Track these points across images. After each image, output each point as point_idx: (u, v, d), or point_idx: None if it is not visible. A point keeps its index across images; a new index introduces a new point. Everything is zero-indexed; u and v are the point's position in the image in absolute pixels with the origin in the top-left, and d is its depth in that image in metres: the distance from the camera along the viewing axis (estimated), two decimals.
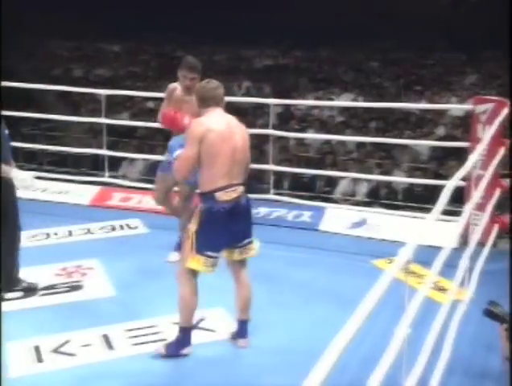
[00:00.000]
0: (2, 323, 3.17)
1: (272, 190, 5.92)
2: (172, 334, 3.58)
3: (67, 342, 3.47)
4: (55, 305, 3.94)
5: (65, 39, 18.88)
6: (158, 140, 9.35)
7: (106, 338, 3.55)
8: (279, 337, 3.61)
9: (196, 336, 3.53)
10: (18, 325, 3.61)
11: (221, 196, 3.21)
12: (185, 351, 3.36)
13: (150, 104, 11.28)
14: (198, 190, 3.40)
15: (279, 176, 7.22)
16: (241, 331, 3.50)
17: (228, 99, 9.51)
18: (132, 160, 8.35)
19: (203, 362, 3.37)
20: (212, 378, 3.23)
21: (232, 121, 3.33)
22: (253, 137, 8.89)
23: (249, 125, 9.85)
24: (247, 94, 12.17)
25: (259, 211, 5.66)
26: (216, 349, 3.51)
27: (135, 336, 3.58)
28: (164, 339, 3.54)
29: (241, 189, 3.30)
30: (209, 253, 3.26)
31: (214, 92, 3.31)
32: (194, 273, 3.31)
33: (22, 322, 3.64)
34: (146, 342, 3.53)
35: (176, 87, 4.50)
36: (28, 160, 8.01)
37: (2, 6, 8.78)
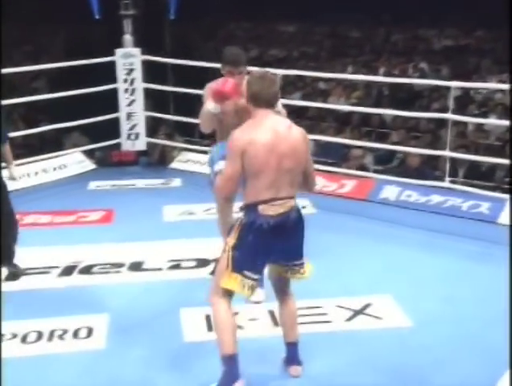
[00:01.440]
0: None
1: (447, 178, 5.67)
2: (336, 316, 3.60)
3: (235, 314, 3.59)
4: None
5: (242, 20, 19.46)
6: (329, 121, 9.37)
7: (272, 314, 3.63)
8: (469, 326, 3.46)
9: (363, 323, 3.51)
10: (192, 293, 3.80)
11: (265, 210, 2.82)
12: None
13: (322, 85, 11.30)
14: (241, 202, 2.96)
15: (454, 163, 6.90)
16: (293, 356, 3.09)
17: (403, 80, 9.22)
18: None
19: (374, 348, 3.33)
20: (385, 363, 3.20)
21: (281, 125, 2.88)
22: (427, 121, 8.61)
23: (424, 108, 9.53)
24: (423, 76, 11.72)
25: (431, 199, 5.48)
26: (384, 336, 3.45)
27: (300, 315, 3.62)
28: (329, 321, 3.57)
29: (291, 203, 2.88)
30: (247, 273, 2.86)
31: (268, 92, 2.85)
32: (229, 294, 2.91)
33: (195, 291, 3.82)
34: (311, 323, 3.56)
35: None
36: (204, 136, 8.36)
37: None
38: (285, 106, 7.28)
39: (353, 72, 11.87)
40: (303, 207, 5.51)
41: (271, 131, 2.82)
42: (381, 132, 9.00)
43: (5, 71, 5.93)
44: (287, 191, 2.86)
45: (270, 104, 2.87)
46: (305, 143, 2.91)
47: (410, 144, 7.50)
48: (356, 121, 9.05)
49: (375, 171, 6.97)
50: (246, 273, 2.85)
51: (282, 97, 6.91)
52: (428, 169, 6.54)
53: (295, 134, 2.87)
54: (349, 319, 3.61)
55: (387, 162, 7.83)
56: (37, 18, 16.61)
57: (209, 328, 3.50)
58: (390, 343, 3.38)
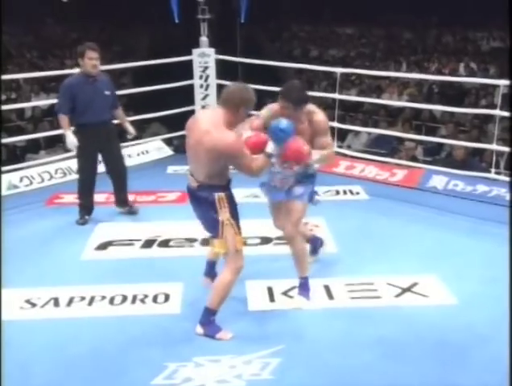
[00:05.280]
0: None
1: (493, 169, 5.46)
2: (386, 293, 3.55)
3: (293, 287, 3.59)
4: (286, 255, 4.09)
5: (304, 23, 19.27)
6: (381, 115, 9.19)
7: (327, 288, 3.61)
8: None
9: (410, 300, 3.45)
10: (257, 267, 3.81)
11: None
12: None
13: (377, 83, 11.08)
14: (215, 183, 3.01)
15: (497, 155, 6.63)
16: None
17: (453, 79, 8.85)
18: (357, 132, 8.30)
19: (420, 323, 3.27)
20: (430, 337, 3.13)
21: (207, 124, 2.91)
22: (475, 116, 8.30)
23: (472, 105, 9.19)
24: (471, 75, 11.32)
25: (477, 189, 5.31)
26: (430, 312, 3.37)
27: (353, 291, 3.59)
28: (379, 297, 3.51)
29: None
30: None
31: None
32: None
33: (259, 265, 3.83)
34: (363, 297, 3.52)
35: (276, 110, 3.36)
36: None
37: None
38: (342, 101, 7.10)
39: (406, 71, 11.58)
40: (357, 193, 5.46)
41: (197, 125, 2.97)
42: (431, 126, 8.78)
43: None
44: None
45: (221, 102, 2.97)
46: (210, 149, 2.87)
47: (458, 137, 7.26)
48: (407, 115, 8.84)
49: (424, 162, 6.79)
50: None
51: (340, 93, 6.87)
52: (476, 160, 6.32)
53: (206, 137, 2.87)
54: (398, 296, 3.54)
55: (435, 154, 7.63)
56: (124, 23, 16.94)
57: (271, 299, 3.51)
58: (435, 319, 3.31)
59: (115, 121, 4.85)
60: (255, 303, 3.48)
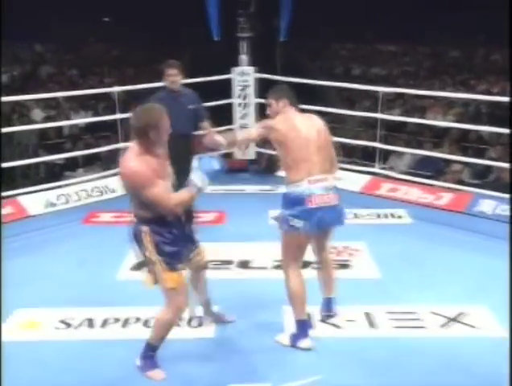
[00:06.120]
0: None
1: None
2: (431, 322, 3.46)
3: (334, 315, 3.53)
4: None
5: (346, 41, 19.30)
6: (426, 136, 9.07)
7: (368, 316, 3.55)
8: None
9: (457, 330, 3.38)
10: None
11: None
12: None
13: (421, 102, 10.96)
14: None
15: None
16: None
17: (502, 99, 8.70)
18: (400, 153, 8.21)
19: (467, 354, 3.19)
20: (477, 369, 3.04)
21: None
22: None
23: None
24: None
25: None
26: (478, 343, 3.28)
27: (396, 319, 3.52)
28: (423, 326, 3.44)
29: None
30: None
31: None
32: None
33: None
34: (406, 327, 3.44)
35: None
36: None
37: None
38: (384, 121, 7.02)
39: (452, 90, 11.45)
40: (400, 217, 5.38)
41: None
42: (479, 148, 8.61)
43: (126, 87, 6.24)
44: None
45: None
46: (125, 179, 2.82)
47: (507, 160, 7.10)
48: (454, 136, 8.71)
49: (471, 185, 6.66)
50: None
51: (383, 112, 6.82)
52: None
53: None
54: (443, 326, 3.46)
55: (483, 177, 7.47)
56: (166, 40, 17.29)
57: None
58: (484, 351, 3.22)
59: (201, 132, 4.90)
60: (292, 328, 3.42)
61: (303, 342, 3.24)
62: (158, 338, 3.03)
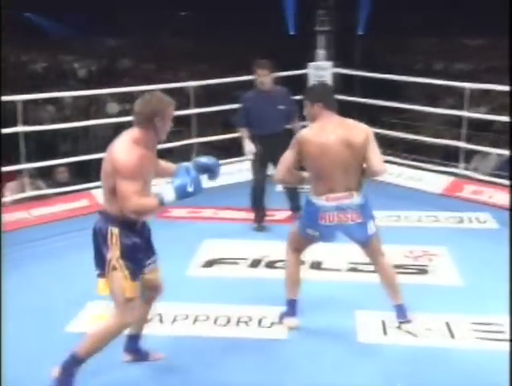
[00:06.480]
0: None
1: None
2: None
3: (408, 321, 3.40)
4: (402, 285, 3.90)
5: (428, 34, 18.73)
6: None
7: (449, 326, 3.39)
8: None
9: None
10: (368, 297, 3.67)
11: None
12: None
13: (508, 100, 10.47)
14: None
15: None
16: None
17: None
18: (486, 154, 7.84)
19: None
20: None
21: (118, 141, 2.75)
22: None
23: None
24: None
25: None
26: None
27: (479, 330, 3.34)
28: (507, 339, 3.24)
29: None
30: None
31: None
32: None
33: (370, 295, 3.66)
34: (490, 339, 3.26)
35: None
36: (386, 146, 8.15)
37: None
38: (470, 119, 6.74)
39: None
40: (485, 222, 5.12)
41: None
42: None
43: (194, 83, 6.33)
44: None
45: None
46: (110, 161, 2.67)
47: None
48: None
49: None
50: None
51: (468, 110, 6.53)
52: None
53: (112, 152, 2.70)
54: None
55: None
56: (241, 35, 17.39)
57: (384, 332, 3.36)
58: None
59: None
60: (365, 335, 3.35)
61: (290, 321, 3.40)
62: (89, 351, 2.73)
